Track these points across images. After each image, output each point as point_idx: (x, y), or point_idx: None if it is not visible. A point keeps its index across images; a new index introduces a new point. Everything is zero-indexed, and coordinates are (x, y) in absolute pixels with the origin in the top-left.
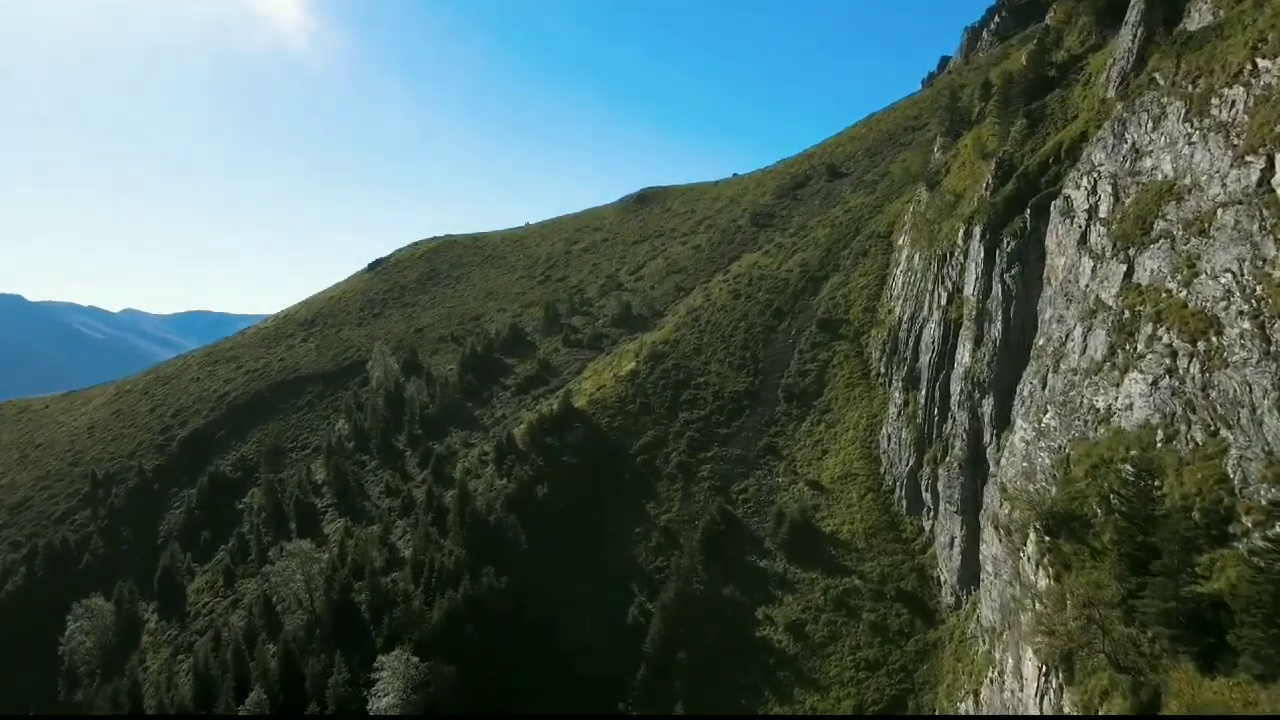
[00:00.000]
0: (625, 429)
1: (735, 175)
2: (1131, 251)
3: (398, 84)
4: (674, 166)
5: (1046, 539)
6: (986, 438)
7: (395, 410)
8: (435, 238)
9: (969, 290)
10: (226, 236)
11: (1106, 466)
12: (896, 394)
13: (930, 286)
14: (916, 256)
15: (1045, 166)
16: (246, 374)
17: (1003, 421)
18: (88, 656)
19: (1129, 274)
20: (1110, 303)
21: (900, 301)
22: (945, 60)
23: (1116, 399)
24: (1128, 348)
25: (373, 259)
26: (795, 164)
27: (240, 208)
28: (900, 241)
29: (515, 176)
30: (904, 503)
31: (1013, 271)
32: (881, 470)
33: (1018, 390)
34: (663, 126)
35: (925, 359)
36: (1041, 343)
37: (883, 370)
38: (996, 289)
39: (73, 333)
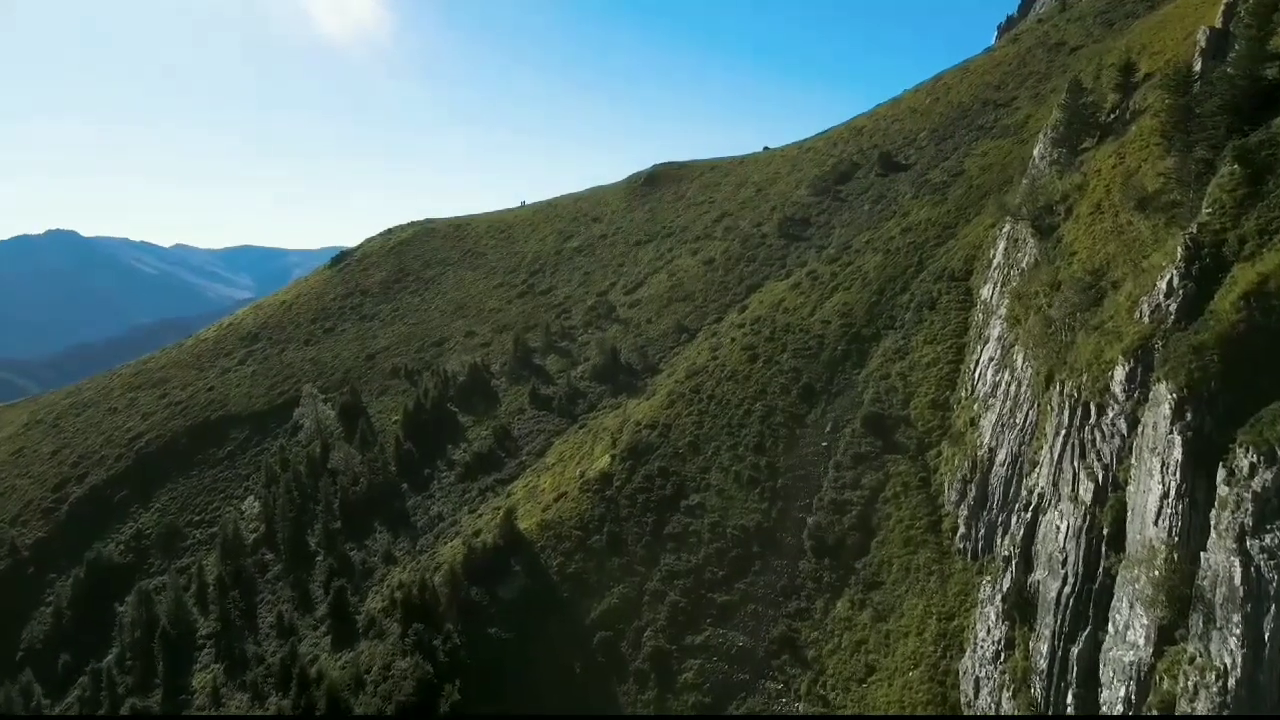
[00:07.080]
0: (583, 579)
1: (766, 149)
2: None
3: (458, 35)
4: (697, 127)
5: None
6: None
7: (317, 480)
8: (414, 223)
9: (1144, 514)
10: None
11: None
12: (990, 608)
13: (1054, 440)
14: (1019, 354)
15: None
16: (168, 406)
17: None
18: None
19: None
20: None
21: (991, 418)
22: (1028, 3)
23: None
24: None
25: (339, 251)
26: (839, 142)
27: (291, 144)
28: (986, 295)
29: (515, 140)
30: None
31: (1268, 540)
32: None
33: None
34: (674, 92)
35: (1046, 581)
36: None
37: (962, 527)
38: (1228, 565)
39: (126, 267)
